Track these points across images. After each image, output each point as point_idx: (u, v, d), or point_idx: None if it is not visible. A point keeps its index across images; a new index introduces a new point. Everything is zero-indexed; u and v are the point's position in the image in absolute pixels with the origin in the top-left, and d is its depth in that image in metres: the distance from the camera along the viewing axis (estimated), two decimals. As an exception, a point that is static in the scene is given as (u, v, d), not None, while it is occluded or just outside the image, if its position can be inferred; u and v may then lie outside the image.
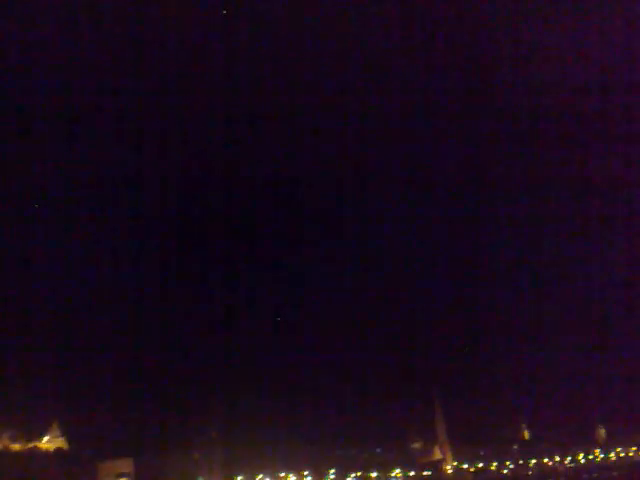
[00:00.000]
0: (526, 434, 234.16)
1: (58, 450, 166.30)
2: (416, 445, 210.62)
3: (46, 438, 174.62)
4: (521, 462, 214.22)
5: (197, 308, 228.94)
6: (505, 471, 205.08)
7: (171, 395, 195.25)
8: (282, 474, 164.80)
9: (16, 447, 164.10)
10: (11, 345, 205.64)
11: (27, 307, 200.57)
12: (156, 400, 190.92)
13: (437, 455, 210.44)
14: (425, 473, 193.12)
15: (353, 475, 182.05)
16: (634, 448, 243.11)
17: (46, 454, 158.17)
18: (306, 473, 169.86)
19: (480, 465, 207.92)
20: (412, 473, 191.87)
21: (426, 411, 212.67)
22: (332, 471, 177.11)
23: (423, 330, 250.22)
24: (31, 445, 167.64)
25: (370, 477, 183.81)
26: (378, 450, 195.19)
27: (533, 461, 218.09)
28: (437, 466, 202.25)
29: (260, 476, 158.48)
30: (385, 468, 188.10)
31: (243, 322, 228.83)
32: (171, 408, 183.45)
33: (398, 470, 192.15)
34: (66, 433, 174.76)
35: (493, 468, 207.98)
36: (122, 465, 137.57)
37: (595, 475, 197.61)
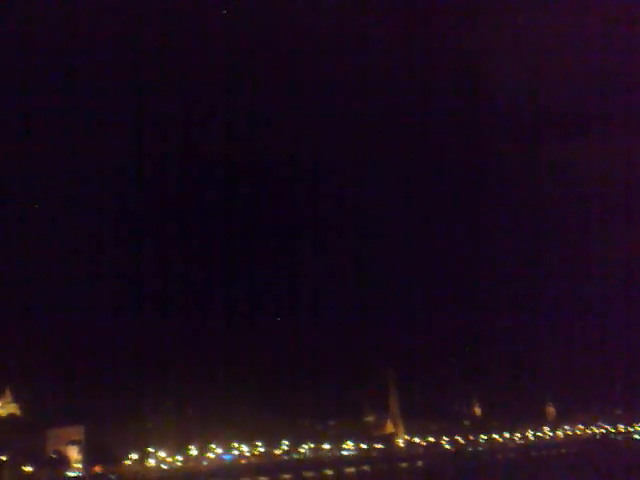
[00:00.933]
0: (477, 410, 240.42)
1: (10, 416, 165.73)
2: (369, 419, 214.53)
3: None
4: (471, 438, 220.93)
5: (154, 271, 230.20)
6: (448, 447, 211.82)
7: (125, 364, 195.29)
8: (235, 444, 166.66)
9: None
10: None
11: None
12: (110, 368, 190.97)
13: (389, 429, 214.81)
14: (377, 446, 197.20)
15: (306, 446, 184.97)
16: (581, 427, 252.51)
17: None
18: (259, 444, 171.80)
19: (431, 439, 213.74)
20: (364, 446, 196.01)
21: (380, 386, 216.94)
22: (285, 442, 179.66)
23: (381, 306, 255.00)
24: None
25: (322, 449, 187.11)
26: (331, 422, 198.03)
27: (483, 437, 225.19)
28: (389, 439, 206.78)
29: (213, 446, 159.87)
30: (338, 440, 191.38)
31: (202, 292, 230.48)
32: (125, 377, 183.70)
33: (350, 442, 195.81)
34: (18, 399, 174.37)
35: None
36: (73, 432, 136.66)
37: (543, 452, 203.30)
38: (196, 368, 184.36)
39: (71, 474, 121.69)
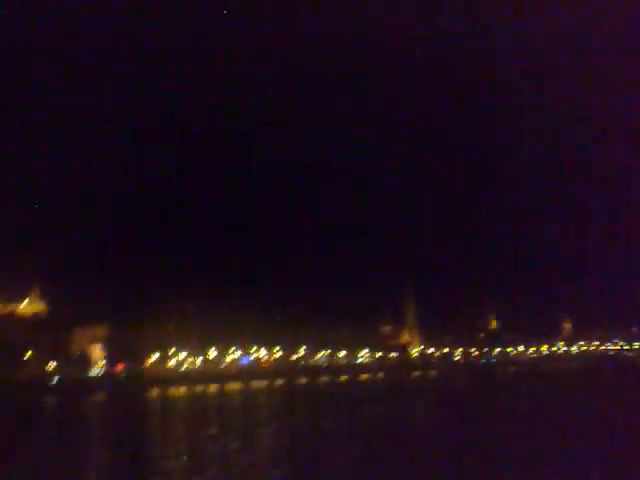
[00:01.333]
0: (494, 323, 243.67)
1: (37, 314, 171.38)
2: (386, 328, 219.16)
3: (25, 302, 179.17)
4: (485, 350, 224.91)
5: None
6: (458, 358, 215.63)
7: (150, 265, 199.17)
8: (253, 348, 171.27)
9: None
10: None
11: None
12: (134, 270, 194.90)
13: (405, 339, 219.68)
14: (392, 355, 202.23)
15: (322, 352, 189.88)
16: (596, 343, 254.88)
17: (24, 317, 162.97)
18: (277, 348, 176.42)
19: (445, 350, 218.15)
20: (379, 354, 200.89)
21: (397, 297, 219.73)
22: (303, 347, 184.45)
23: (400, 218, 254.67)
24: (10, 308, 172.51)
25: (338, 356, 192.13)
26: (348, 331, 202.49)
27: (497, 349, 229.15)
28: (404, 349, 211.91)
29: (233, 349, 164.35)
30: (354, 348, 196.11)
31: (224, 202, 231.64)
32: (148, 279, 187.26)
33: (366, 350, 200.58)
34: (45, 298, 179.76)
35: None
36: (97, 331, 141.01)
37: (556, 365, 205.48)
38: (218, 273, 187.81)
39: (94, 371, 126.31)
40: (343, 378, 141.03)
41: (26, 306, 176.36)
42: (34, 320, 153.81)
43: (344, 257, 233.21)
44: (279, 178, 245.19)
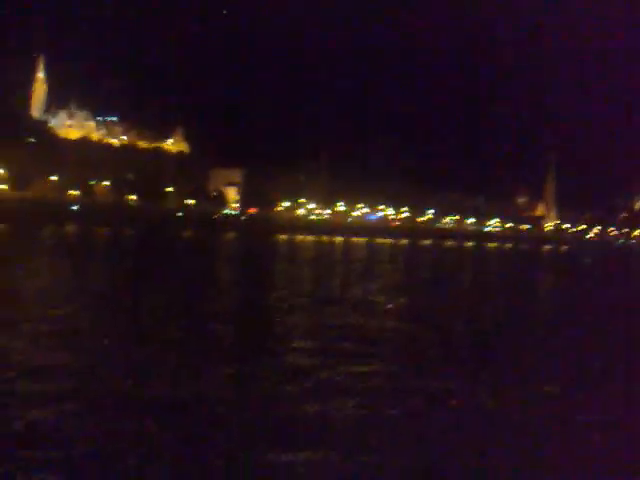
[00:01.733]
0: (638, 205, 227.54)
1: (180, 152, 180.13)
2: (521, 200, 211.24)
3: (170, 140, 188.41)
4: (625, 230, 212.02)
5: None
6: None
7: (283, 116, 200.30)
8: (381, 206, 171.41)
9: (142, 144, 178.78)
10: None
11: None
12: (272, 117, 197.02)
13: (540, 212, 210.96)
14: (523, 226, 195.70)
15: (449, 218, 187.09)
16: None
17: (168, 154, 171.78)
18: (404, 209, 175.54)
19: (582, 227, 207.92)
20: (509, 225, 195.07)
21: (538, 169, 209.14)
22: (431, 211, 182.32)
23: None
24: (156, 144, 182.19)
25: (466, 222, 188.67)
26: (480, 198, 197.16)
27: (637, 232, 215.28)
28: (537, 222, 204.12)
29: (360, 205, 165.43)
30: (484, 216, 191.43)
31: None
32: (286, 129, 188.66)
33: (496, 220, 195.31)
34: (188, 138, 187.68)
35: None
36: (233, 174, 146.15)
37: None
38: (352, 132, 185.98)
39: (227, 212, 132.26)
40: (469, 244, 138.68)
41: (170, 144, 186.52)
42: (177, 158, 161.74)
43: (486, 126, 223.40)
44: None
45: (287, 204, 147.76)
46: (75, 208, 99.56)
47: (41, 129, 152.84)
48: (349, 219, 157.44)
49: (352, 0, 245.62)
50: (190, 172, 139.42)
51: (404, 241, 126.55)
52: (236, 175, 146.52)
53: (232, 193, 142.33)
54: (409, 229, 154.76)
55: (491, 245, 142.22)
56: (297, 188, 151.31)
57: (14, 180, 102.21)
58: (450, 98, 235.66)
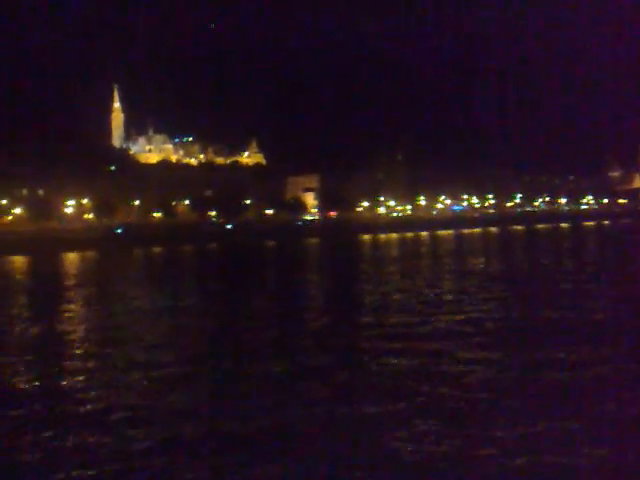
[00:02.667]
0: None
1: (256, 164, 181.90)
2: (614, 174, 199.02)
3: (246, 154, 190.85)
4: None
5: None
6: None
7: (359, 117, 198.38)
8: (465, 196, 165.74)
9: (219, 160, 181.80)
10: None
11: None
12: (344, 121, 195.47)
13: (637, 183, 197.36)
14: (620, 201, 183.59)
15: (540, 200, 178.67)
16: None
17: (245, 167, 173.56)
18: (490, 196, 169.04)
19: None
20: (605, 200, 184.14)
21: (629, 137, 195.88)
22: (518, 195, 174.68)
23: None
24: (233, 159, 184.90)
25: (559, 202, 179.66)
26: (571, 177, 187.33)
27: None
28: (636, 195, 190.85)
29: (442, 197, 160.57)
30: (576, 195, 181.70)
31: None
32: (358, 129, 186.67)
33: (590, 197, 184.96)
34: (263, 150, 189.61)
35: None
36: (309, 180, 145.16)
37: None
38: (430, 125, 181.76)
39: (307, 217, 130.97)
40: (564, 225, 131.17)
41: (246, 158, 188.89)
42: (253, 170, 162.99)
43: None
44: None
45: (366, 204, 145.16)
46: (119, 231, 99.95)
47: (122, 157, 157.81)
48: (433, 212, 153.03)
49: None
50: (266, 182, 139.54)
51: (493, 229, 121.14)
52: (312, 180, 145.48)
53: (310, 199, 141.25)
54: (498, 216, 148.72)
55: (588, 224, 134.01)
56: (375, 187, 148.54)
57: (98, 208, 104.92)
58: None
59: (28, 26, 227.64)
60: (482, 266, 42.22)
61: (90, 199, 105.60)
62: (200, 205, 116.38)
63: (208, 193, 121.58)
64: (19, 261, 66.21)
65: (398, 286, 31.36)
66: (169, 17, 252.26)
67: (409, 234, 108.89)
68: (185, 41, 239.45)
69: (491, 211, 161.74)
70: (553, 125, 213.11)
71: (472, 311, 22.13)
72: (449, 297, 26.75)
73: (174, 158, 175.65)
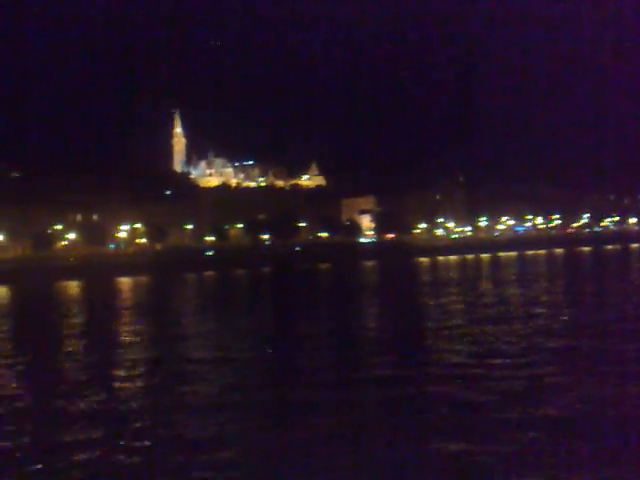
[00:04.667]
0: None
1: (317, 187, 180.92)
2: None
3: (306, 177, 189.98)
4: None
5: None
6: None
7: (416, 135, 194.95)
8: (528, 216, 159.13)
9: (279, 183, 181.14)
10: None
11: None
12: (400, 141, 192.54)
13: None
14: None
15: (609, 220, 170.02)
16: None
17: (304, 190, 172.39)
18: (556, 217, 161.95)
19: None
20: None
21: None
22: (586, 215, 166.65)
23: None
24: (293, 182, 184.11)
25: (628, 223, 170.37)
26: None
27: None
28: None
29: (505, 218, 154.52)
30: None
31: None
32: (416, 149, 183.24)
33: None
34: (323, 173, 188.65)
35: None
36: (365, 202, 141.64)
37: None
38: (490, 140, 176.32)
39: (363, 240, 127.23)
40: (634, 245, 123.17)
41: (307, 181, 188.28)
42: (310, 193, 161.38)
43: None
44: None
45: (424, 226, 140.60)
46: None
47: (180, 181, 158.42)
48: (495, 233, 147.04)
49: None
50: (322, 205, 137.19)
51: (559, 250, 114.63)
52: (369, 202, 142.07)
53: (366, 221, 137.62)
54: (564, 237, 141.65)
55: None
56: (433, 208, 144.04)
57: (151, 234, 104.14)
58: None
59: (88, 52, 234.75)
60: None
61: (143, 224, 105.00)
62: (253, 228, 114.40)
63: (262, 216, 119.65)
64: (72, 286, 65.30)
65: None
66: (231, 43, 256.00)
67: (469, 256, 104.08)
68: (246, 66, 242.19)
69: (555, 232, 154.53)
70: (620, 143, 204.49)
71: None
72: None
73: (234, 182, 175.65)
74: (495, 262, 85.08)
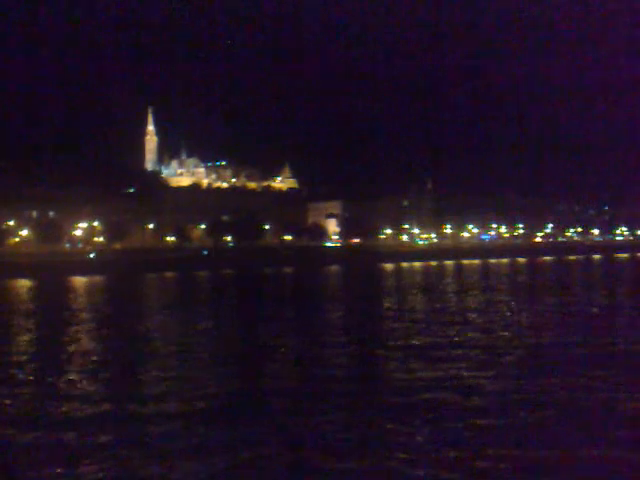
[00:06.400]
0: None
1: (289, 189, 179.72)
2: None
3: (279, 179, 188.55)
4: None
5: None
6: None
7: (384, 143, 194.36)
8: (493, 225, 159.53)
9: (252, 185, 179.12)
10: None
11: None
12: (369, 146, 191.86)
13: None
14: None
15: (572, 231, 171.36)
16: None
17: (276, 192, 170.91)
18: (520, 226, 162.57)
19: None
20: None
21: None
22: (549, 225, 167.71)
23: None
24: (265, 184, 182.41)
25: (591, 233, 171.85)
26: (606, 207, 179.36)
27: None
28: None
29: (470, 226, 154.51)
30: (609, 226, 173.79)
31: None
32: (384, 155, 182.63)
33: (624, 228, 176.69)
34: (296, 176, 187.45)
35: None
36: (331, 206, 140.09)
37: None
38: (456, 148, 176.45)
39: (327, 244, 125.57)
40: (596, 257, 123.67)
41: (279, 182, 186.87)
42: (277, 195, 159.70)
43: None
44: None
45: (389, 231, 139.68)
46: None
47: (151, 180, 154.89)
48: (461, 241, 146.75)
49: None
50: (288, 208, 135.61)
51: (521, 260, 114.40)
52: (335, 207, 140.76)
53: (332, 225, 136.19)
54: (527, 246, 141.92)
55: (622, 256, 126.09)
56: (399, 214, 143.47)
57: (109, 232, 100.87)
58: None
59: (65, 48, 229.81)
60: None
61: (101, 222, 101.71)
62: (216, 229, 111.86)
63: (225, 218, 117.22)
64: (24, 285, 62.31)
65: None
66: (205, 41, 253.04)
67: (433, 263, 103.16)
68: (220, 65, 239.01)
69: (519, 241, 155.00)
70: (587, 154, 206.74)
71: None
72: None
73: (205, 182, 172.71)
74: (457, 269, 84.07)
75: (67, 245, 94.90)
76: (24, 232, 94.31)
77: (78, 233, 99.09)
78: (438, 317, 28.70)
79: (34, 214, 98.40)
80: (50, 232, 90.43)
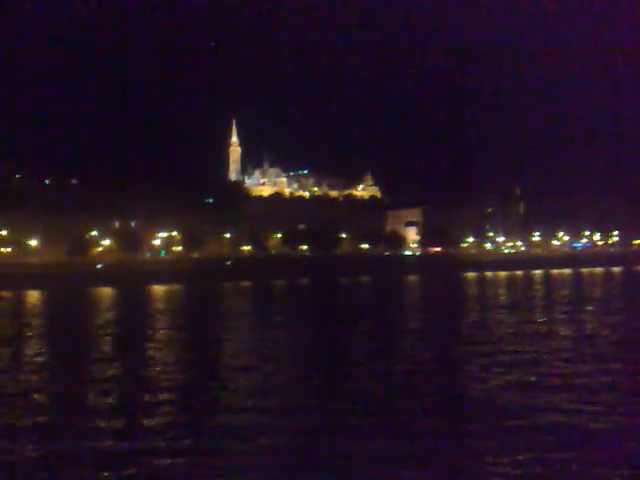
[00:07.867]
0: None
1: (371, 197, 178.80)
2: None
3: (361, 187, 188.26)
4: None
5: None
6: None
7: (468, 148, 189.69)
8: (586, 232, 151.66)
9: (334, 194, 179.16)
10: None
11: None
12: (452, 152, 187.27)
13: None
14: None
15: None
16: None
17: (353, 201, 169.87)
18: (615, 233, 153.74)
19: None
20: None
21: None
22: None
23: None
24: (347, 192, 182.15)
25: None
26: None
27: None
28: None
29: (561, 233, 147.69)
30: None
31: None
32: (465, 161, 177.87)
33: None
34: (378, 183, 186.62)
35: None
36: (412, 214, 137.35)
37: None
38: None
39: (407, 252, 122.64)
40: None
41: (361, 191, 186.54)
42: (360, 204, 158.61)
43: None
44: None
45: (472, 239, 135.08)
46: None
47: (234, 190, 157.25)
48: (549, 249, 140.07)
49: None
50: (367, 216, 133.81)
51: (617, 269, 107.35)
52: (415, 214, 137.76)
53: (412, 233, 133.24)
54: (619, 254, 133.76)
55: None
56: (482, 222, 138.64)
57: (187, 242, 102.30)
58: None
59: (151, 62, 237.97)
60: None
61: (179, 231, 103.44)
62: (292, 238, 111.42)
63: (302, 226, 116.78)
64: (107, 293, 63.50)
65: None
66: (288, 54, 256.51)
67: (519, 272, 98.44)
68: (303, 77, 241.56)
69: (616, 249, 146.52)
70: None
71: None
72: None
73: (287, 191, 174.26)
74: (547, 280, 79.35)
75: (147, 254, 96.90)
76: (106, 242, 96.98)
77: (157, 242, 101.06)
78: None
79: (116, 224, 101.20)
80: (131, 241, 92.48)
